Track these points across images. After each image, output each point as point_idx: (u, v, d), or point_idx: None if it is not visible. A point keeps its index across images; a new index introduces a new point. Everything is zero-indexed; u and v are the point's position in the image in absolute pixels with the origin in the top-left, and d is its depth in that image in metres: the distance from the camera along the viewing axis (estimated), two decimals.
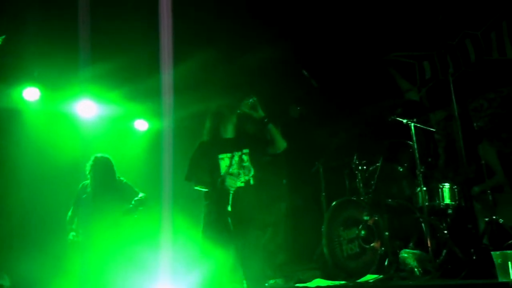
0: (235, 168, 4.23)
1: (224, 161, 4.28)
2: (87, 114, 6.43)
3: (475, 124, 5.15)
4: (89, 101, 6.43)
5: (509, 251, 3.47)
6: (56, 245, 5.47)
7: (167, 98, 6.20)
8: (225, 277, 4.08)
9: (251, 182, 4.23)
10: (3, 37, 5.07)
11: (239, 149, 4.29)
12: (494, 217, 4.57)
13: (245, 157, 4.28)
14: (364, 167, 5.06)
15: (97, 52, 5.79)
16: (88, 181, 5.61)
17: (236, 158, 4.25)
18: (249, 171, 4.26)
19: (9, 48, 5.48)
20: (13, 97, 5.85)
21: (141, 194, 5.51)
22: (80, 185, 5.64)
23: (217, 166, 4.26)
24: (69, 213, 5.54)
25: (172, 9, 5.60)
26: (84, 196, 5.55)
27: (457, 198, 4.77)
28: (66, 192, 5.65)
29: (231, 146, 4.33)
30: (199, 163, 4.34)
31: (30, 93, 5.92)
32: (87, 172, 5.53)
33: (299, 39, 6.54)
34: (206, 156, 4.34)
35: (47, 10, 5.55)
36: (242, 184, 4.17)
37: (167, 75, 6.02)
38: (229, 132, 4.35)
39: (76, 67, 5.86)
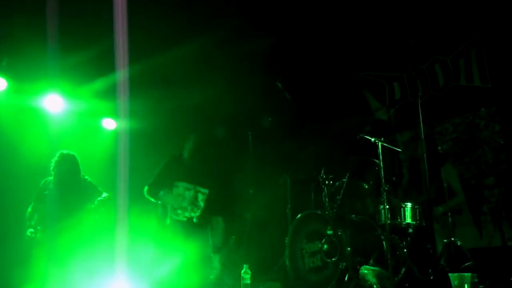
0: (186, 202, 4.09)
1: (178, 189, 4.15)
2: (55, 108, 6.30)
3: (439, 148, 5.29)
4: (57, 96, 6.30)
5: (466, 274, 3.57)
6: (19, 242, 5.31)
7: (123, 96, 6.15)
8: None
9: (194, 220, 4.09)
10: None
11: (201, 184, 4.13)
12: (452, 238, 4.72)
13: (200, 196, 4.12)
14: (331, 182, 5.12)
15: (68, 47, 5.70)
16: (51, 178, 5.48)
17: (191, 192, 4.08)
18: (198, 209, 4.10)
19: None
20: None
21: (104, 194, 5.41)
22: (43, 181, 5.50)
23: (170, 190, 4.15)
24: (29, 209, 5.40)
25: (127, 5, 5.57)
26: (46, 192, 5.42)
27: (418, 218, 4.87)
28: (29, 187, 5.50)
29: (195, 177, 4.16)
30: (164, 177, 4.23)
31: None
32: (51, 168, 5.41)
33: (275, 50, 6.60)
34: (168, 175, 4.21)
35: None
36: (184, 219, 4.06)
37: (122, 74, 5.98)
38: (205, 161, 4.25)
39: (45, 60, 5.75)
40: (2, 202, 5.69)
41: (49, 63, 5.78)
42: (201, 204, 4.17)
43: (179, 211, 4.13)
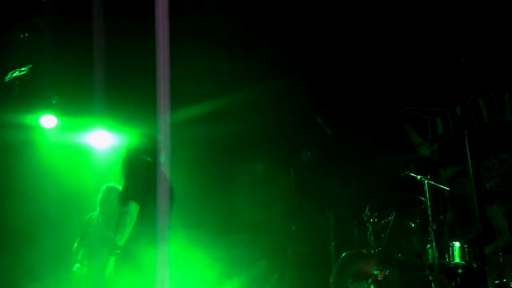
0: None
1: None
2: (101, 144, 6.47)
3: (487, 185, 5.17)
4: (103, 132, 6.47)
5: None
6: (62, 275, 5.42)
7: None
8: None
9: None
10: (29, 66, 5.18)
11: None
12: (504, 280, 4.56)
13: (131, 213, 3.64)
14: (376, 220, 5.05)
15: (113, 85, 5.89)
16: (95, 212, 5.59)
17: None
18: (123, 232, 3.58)
19: (31, 76, 5.59)
20: (31, 123, 5.92)
21: None
22: (88, 216, 5.62)
23: None
24: (75, 244, 5.50)
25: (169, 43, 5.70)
26: (90, 229, 5.52)
27: (467, 257, 4.74)
28: (76, 221, 5.64)
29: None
30: None
31: (48, 120, 5.98)
32: (98, 202, 5.52)
33: (316, 86, 6.66)
34: None
35: (67, 41, 5.70)
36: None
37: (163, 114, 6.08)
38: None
39: (92, 98, 5.95)
40: (51, 237, 5.83)
41: (96, 100, 5.97)
42: (129, 222, 3.65)
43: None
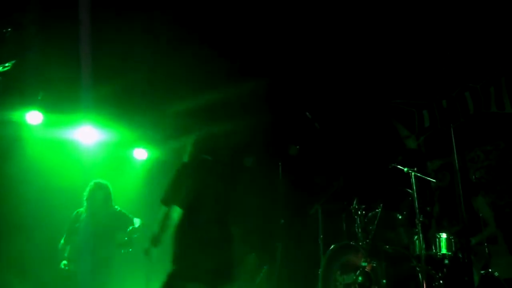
0: None
1: None
2: (88, 140, 6.43)
3: (473, 177, 5.23)
4: (90, 127, 6.43)
5: None
6: (49, 272, 5.39)
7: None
8: None
9: None
10: (13, 62, 5.10)
11: None
12: (490, 270, 4.62)
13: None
14: (363, 212, 5.08)
15: (100, 80, 5.85)
16: (82, 209, 5.55)
17: None
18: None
19: (16, 72, 5.52)
20: (17, 120, 5.85)
21: (137, 221, 5.44)
22: (74, 213, 5.59)
23: None
24: (62, 241, 5.47)
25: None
26: (77, 224, 5.49)
27: (453, 248, 4.79)
28: (63, 218, 5.60)
29: None
30: None
31: (33, 117, 5.92)
32: (85, 198, 5.49)
33: (304, 81, 6.67)
34: None
35: (52, 36, 5.63)
36: None
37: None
38: None
39: (79, 93, 5.91)
40: (37, 233, 5.79)
41: (82, 96, 5.93)
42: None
43: None
